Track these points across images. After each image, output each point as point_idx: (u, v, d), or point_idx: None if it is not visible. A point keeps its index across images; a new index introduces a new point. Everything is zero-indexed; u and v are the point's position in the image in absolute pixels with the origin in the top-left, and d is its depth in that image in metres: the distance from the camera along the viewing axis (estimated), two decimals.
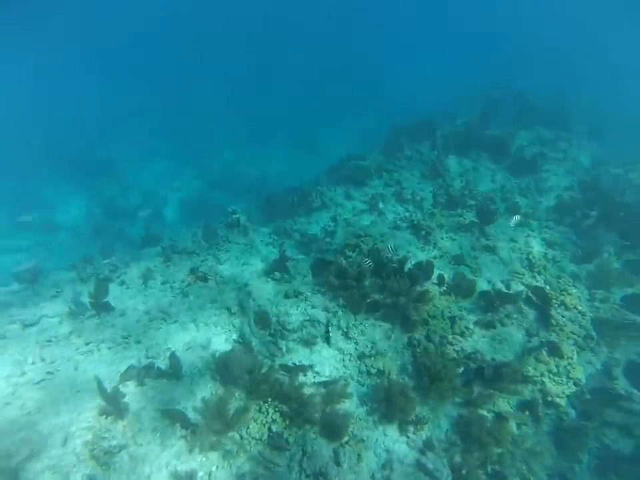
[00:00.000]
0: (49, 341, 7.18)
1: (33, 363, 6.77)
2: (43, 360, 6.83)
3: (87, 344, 7.22)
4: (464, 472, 6.09)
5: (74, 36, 47.08)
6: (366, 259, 8.27)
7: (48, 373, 6.60)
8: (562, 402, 7.25)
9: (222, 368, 6.74)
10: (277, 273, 9.08)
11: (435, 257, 10.03)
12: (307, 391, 6.63)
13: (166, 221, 21.72)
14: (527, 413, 6.98)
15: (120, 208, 22.07)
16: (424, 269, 8.93)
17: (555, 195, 13.12)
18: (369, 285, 8.62)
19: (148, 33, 51.36)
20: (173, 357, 6.73)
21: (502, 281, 9.42)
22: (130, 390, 6.34)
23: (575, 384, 7.47)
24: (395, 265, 8.89)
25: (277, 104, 36.66)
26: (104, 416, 5.82)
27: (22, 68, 41.09)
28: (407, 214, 11.83)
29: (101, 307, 7.73)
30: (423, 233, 10.59)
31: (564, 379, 7.47)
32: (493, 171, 14.38)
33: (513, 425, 6.84)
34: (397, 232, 10.88)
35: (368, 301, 8.24)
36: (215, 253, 10.29)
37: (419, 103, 28.38)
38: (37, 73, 41.83)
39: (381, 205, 12.39)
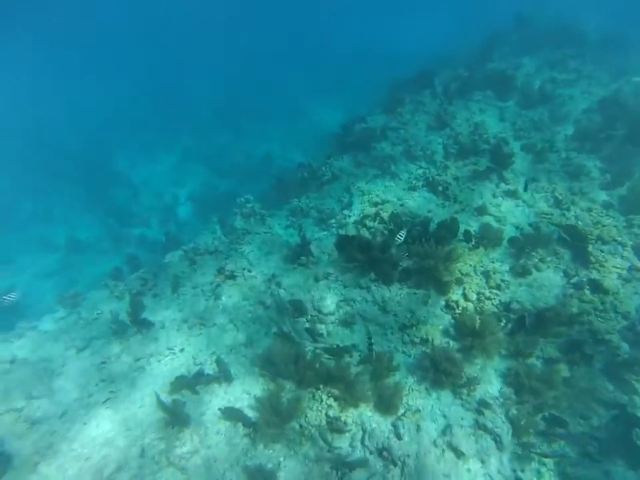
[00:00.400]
0: (104, 363, 7.46)
1: (96, 385, 7.08)
2: (103, 381, 7.13)
3: (137, 360, 7.47)
4: (522, 423, 6.16)
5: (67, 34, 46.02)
6: (399, 235, 7.81)
7: (110, 392, 6.91)
8: (613, 338, 7.12)
9: (267, 363, 6.89)
10: (302, 258, 9.03)
11: (456, 212, 9.75)
12: (354, 370, 6.74)
13: (180, 219, 21.86)
14: (577, 354, 6.91)
15: (135, 214, 22.22)
16: (448, 227, 8.71)
17: (573, 120, 12.36)
18: (396, 252, 8.50)
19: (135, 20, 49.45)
20: (219, 360, 6.89)
21: (530, 225, 9.11)
22: (187, 398, 6.58)
23: (624, 317, 7.30)
24: (418, 228, 8.69)
25: (265, 81, 35.56)
26: (170, 426, 6.09)
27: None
28: (421, 171, 11.42)
29: (141, 323, 7.92)
30: (440, 188, 10.25)
31: (612, 315, 7.30)
32: (500, 109, 13.60)
33: (564, 368, 6.80)
34: (414, 193, 10.57)
35: (399, 269, 8.15)
36: (237, 248, 10.28)
37: (415, 59, 26.89)
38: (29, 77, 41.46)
39: (392, 167, 12.00)
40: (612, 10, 18.98)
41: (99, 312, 8.86)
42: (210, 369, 7.08)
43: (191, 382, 6.70)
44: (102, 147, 28.64)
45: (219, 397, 6.61)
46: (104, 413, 6.51)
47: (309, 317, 7.97)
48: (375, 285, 8.10)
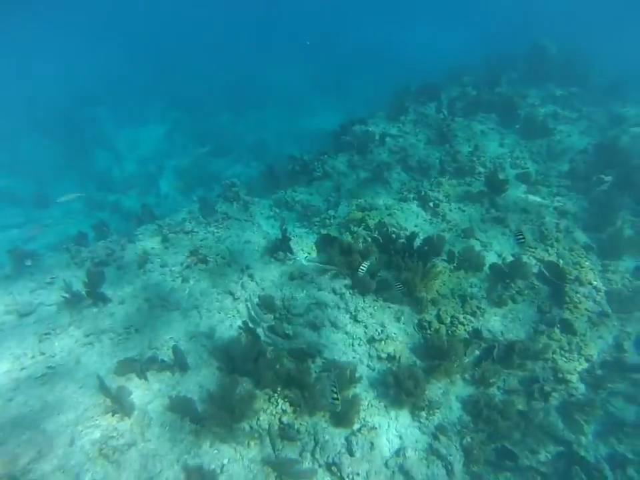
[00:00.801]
0: (48, 334, 6.95)
1: (33, 357, 6.57)
2: (42, 354, 6.63)
3: (87, 335, 6.99)
4: (475, 452, 6.07)
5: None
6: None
7: (49, 367, 6.42)
8: (572, 378, 7.15)
9: (226, 357, 6.57)
10: (280, 253, 8.71)
11: (443, 230, 9.65)
12: (315, 376, 6.50)
13: (161, 191, 21.04)
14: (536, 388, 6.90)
15: (114, 179, 21.26)
16: (433, 244, 8.57)
17: (568, 158, 12.47)
18: (376, 262, 8.31)
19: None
20: (176, 348, 6.51)
21: (513, 255, 9.08)
22: (134, 384, 6.18)
23: (586, 360, 7.35)
24: (403, 241, 8.52)
25: (272, 74, 34.92)
26: (110, 413, 5.68)
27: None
28: (414, 183, 11.27)
29: (97, 297, 7.43)
30: (431, 204, 10.12)
31: (575, 356, 7.34)
32: (502, 134, 13.61)
33: (521, 402, 6.78)
34: (403, 204, 10.40)
35: (376, 279, 7.96)
36: (214, 231, 9.88)
37: (422, 68, 26.85)
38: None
39: (385, 174, 11.79)
40: (621, 54, 19.45)
41: (53, 276, 8.28)
42: (165, 355, 6.70)
43: (142, 367, 6.29)
44: (92, 109, 27.39)
45: (170, 387, 6.24)
46: (36, 393, 6.01)
47: (277, 314, 7.69)
48: (350, 293, 7.88)
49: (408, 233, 9.18)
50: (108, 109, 28.46)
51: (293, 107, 29.48)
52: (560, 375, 7.15)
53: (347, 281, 8.08)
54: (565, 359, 7.33)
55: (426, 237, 8.66)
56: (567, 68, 16.93)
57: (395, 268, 8.06)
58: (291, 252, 8.72)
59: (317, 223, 10.53)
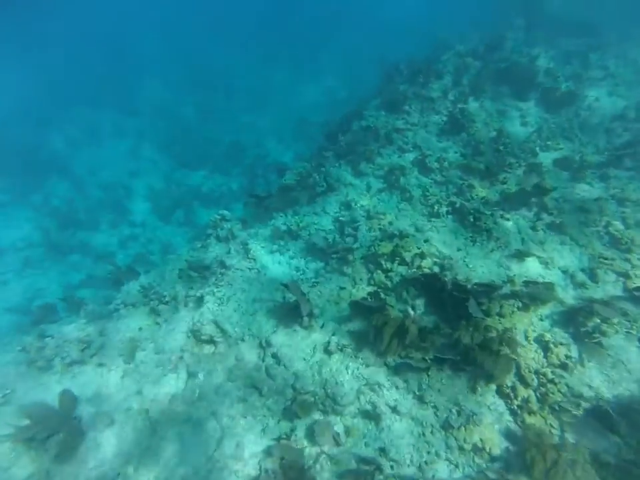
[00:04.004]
0: None
1: None
2: None
3: None
4: None
5: None
6: None
7: None
8: None
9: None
10: (305, 319, 6.87)
11: (492, 250, 7.94)
12: None
13: (136, 219, 18.65)
14: None
15: (78, 211, 18.66)
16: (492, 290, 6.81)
17: (604, 128, 10.79)
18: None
19: None
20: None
21: (583, 270, 7.47)
22: None
23: None
24: (455, 294, 6.67)
25: (233, 55, 31.88)
26: None
27: None
28: (440, 190, 9.43)
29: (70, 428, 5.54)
30: (471, 218, 8.35)
31: None
32: (521, 110, 11.77)
33: None
34: (436, 221, 8.60)
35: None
36: (213, 292, 7.94)
37: (400, 40, 24.45)
38: None
39: (402, 181, 9.92)
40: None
41: (7, 391, 6.20)
42: None
43: None
44: (41, 130, 24.09)
45: None
46: None
47: (320, 406, 5.95)
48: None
49: (452, 263, 7.50)
50: (57, 129, 25.27)
51: (263, 94, 26.86)
52: None
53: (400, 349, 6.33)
54: None
55: (484, 284, 6.84)
56: (568, 21, 15.02)
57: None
58: (314, 316, 6.87)
59: (334, 257, 8.67)
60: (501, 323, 6.53)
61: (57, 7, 38.53)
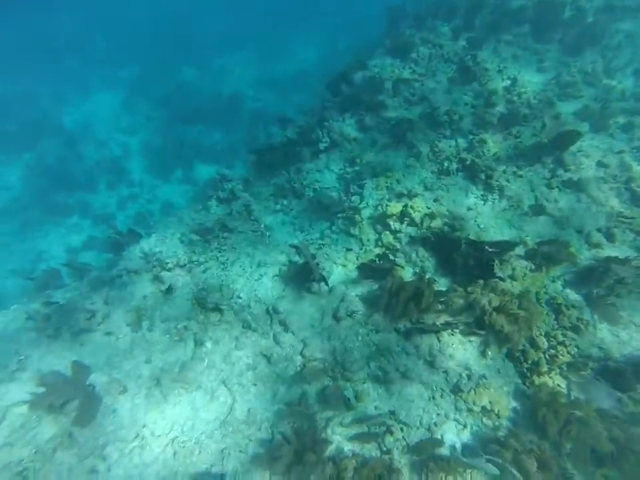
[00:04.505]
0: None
1: None
2: None
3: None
4: None
5: None
6: None
7: None
8: None
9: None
10: (314, 284, 6.72)
11: (504, 209, 7.63)
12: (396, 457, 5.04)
13: (134, 178, 18.07)
14: None
15: (73, 172, 18.03)
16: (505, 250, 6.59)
17: (633, 69, 9.98)
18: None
19: None
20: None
21: (599, 230, 7.21)
22: None
23: None
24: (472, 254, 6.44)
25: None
26: None
27: None
28: (450, 146, 8.90)
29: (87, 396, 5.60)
30: (482, 175, 7.93)
31: None
32: (538, 53, 10.84)
33: None
34: (446, 179, 8.20)
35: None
36: (217, 257, 7.76)
37: None
38: None
39: (409, 136, 9.35)
40: None
41: (21, 357, 6.24)
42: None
43: None
44: (24, 83, 22.68)
45: None
46: None
47: (330, 373, 5.97)
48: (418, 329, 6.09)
49: (464, 223, 7.23)
50: (42, 80, 23.87)
51: (262, 48, 25.02)
52: None
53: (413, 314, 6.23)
54: None
55: (497, 241, 6.60)
56: None
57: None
58: (326, 282, 6.71)
59: (340, 217, 8.40)
60: (512, 286, 6.40)
61: None
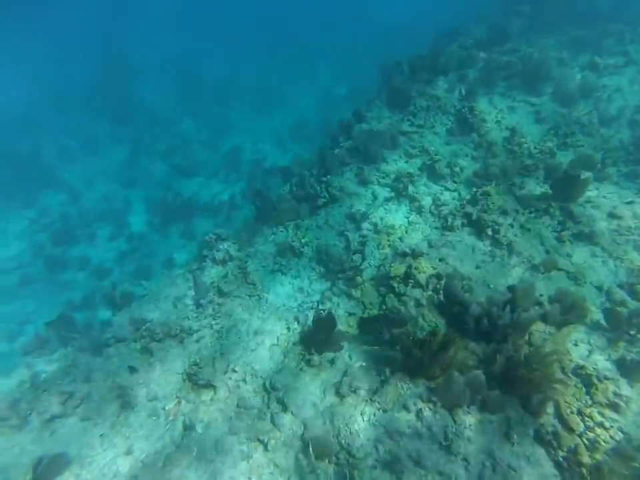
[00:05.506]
0: None
1: None
2: None
3: None
4: None
5: None
6: None
7: None
8: None
9: None
10: (314, 357, 6.16)
11: (514, 266, 7.19)
12: None
13: (134, 231, 17.91)
14: None
15: (72, 224, 17.95)
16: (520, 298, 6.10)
17: (627, 120, 9.97)
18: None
19: None
20: None
21: (620, 286, 6.71)
22: None
23: None
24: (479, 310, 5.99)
25: (225, 59, 31.01)
26: None
27: None
28: (453, 198, 8.67)
29: None
30: (489, 231, 7.58)
31: None
32: (534, 105, 10.94)
33: None
34: (451, 235, 7.84)
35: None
36: (211, 325, 7.26)
37: (399, 40, 23.46)
38: None
39: (410, 189, 9.16)
40: None
41: None
42: None
43: None
44: (31, 140, 23.35)
45: None
46: None
47: (334, 459, 5.25)
48: (431, 409, 5.43)
49: (472, 283, 6.77)
50: (49, 138, 24.58)
51: (261, 98, 25.98)
52: None
53: (421, 389, 5.61)
54: None
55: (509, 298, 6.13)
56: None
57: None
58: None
59: (340, 277, 7.97)
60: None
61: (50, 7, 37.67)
